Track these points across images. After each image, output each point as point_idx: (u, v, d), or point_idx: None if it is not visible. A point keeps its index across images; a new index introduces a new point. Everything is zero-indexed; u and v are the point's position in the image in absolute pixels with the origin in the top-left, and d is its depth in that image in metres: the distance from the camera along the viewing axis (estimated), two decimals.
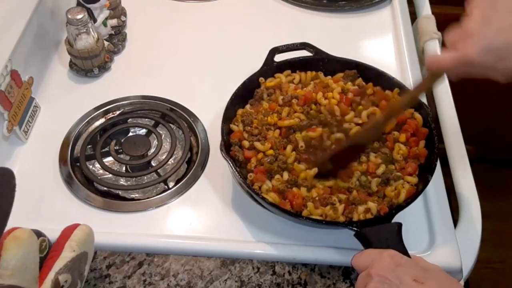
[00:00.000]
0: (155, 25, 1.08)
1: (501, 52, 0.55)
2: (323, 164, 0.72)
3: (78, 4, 0.93)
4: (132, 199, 0.79)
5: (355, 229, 0.64)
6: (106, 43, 0.98)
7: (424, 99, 0.89)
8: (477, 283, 1.42)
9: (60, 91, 0.94)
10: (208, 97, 0.92)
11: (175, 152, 0.84)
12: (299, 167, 0.73)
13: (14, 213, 0.53)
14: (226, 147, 0.75)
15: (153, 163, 0.83)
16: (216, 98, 0.83)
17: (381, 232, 0.63)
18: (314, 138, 0.76)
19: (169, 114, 0.89)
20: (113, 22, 1.02)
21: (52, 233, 0.63)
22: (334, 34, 1.06)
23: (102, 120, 0.89)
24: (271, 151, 0.74)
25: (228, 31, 1.07)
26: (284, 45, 0.88)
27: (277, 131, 0.78)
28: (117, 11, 1.04)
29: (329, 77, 0.85)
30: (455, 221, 0.76)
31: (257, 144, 0.75)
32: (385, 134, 0.77)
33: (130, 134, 0.89)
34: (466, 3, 0.60)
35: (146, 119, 0.89)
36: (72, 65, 0.96)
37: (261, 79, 0.84)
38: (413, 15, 1.14)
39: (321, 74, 0.86)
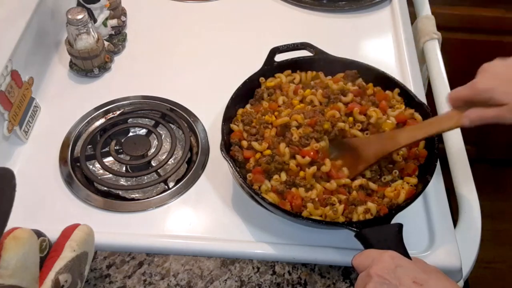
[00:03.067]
0: (155, 25, 1.08)
1: None
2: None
3: (79, 4, 0.93)
4: (132, 199, 0.79)
5: (355, 229, 0.64)
6: (106, 43, 0.98)
7: (424, 99, 0.89)
8: (477, 283, 1.42)
9: (61, 91, 0.94)
10: (208, 97, 0.92)
11: (175, 152, 0.84)
12: (296, 168, 0.73)
13: (14, 213, 0.53)
14: (226, 147, 0.75)
15: (153, 163, 0.83)
16: (216, 98, 0.84)
17: (381, 233, 0.63)
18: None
19: (169, 114, 0.89)
20: (113, 22, 1.02)
21: (52, 233, 0.63)
22: (334, 34, 1.06)
23: (102, 120, 0.89)
24: (268, 151, 0.74)
25: (228, 31, 1.07)
26: (285, 45, 0.87)
27: (274, 129, 0.77)
28: (117, 11, 1.04)
29: (329, 77, 0.85)
30: (455, 221, 0.76)
31: (255, 144, 0.75)
32: None
33: (130, 134, 0.89)
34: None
35: (146, 119, 0.90)
36: (72, 65, 0.96)
37: (262, 79, 0.84)
38: (413, 15, 1.14)
39: (321, 74, 0.85)
